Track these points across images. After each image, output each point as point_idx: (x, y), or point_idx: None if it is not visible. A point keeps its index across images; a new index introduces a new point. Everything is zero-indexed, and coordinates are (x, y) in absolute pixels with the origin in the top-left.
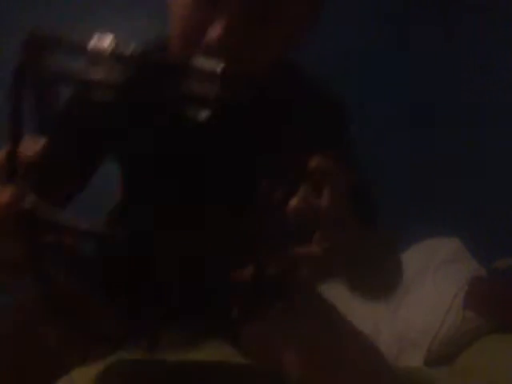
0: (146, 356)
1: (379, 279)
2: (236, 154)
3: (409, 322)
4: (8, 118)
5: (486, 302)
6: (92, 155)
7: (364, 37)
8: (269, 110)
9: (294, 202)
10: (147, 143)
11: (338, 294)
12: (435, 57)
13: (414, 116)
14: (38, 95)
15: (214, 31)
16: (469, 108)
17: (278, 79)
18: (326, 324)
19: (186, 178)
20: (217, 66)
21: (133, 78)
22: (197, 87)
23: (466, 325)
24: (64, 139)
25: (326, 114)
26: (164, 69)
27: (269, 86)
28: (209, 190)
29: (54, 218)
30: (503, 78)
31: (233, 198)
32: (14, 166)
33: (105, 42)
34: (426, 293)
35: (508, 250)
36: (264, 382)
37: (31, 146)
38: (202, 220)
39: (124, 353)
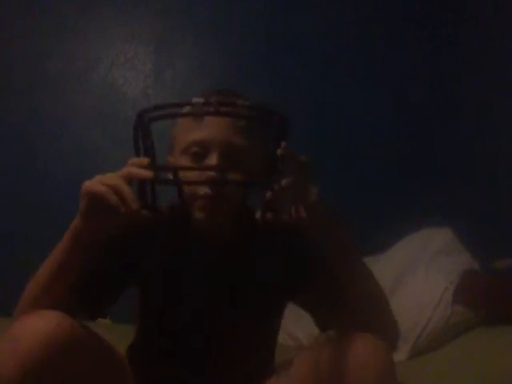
0: None
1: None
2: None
3: (397, 317)
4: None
5: (476, 295)
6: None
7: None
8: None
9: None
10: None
11: None
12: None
13: (413, 112)
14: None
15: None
16: (469, 105)
17: None
18: None
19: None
20: None
21: None
22: None
23: (454, 319)
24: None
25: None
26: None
27: None
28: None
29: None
30: (503, 79)
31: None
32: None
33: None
34: (416, 286)
35: (508, 250)
36: None
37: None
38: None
39: None
